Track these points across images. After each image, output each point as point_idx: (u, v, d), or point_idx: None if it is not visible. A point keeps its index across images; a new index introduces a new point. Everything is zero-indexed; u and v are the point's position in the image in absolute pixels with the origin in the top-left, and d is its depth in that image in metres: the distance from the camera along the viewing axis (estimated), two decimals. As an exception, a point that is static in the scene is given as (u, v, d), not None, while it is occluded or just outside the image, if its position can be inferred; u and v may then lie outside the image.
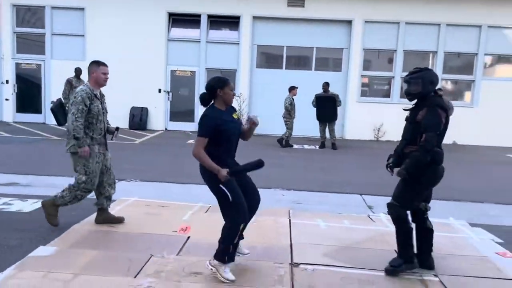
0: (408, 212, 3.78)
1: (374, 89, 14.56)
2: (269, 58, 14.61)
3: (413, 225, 3.83)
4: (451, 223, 5.45)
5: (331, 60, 14.51)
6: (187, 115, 14.26)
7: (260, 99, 14.16)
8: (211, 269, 3.44)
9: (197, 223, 4.86)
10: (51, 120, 12.93)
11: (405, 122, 3.96)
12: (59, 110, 11.04)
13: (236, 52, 14.00)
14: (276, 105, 13.92)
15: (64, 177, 7.08)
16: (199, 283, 3.38)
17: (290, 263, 3.87)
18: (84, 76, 6.40)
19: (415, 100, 3.79)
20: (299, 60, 14.50)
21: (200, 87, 14.08)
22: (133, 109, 14.11)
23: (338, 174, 8.60)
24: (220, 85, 3.48)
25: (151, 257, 3.85)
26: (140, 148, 10.73)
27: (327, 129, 11.85)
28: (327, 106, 11.66)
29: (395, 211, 3.72)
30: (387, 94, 14.25)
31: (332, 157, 10.75)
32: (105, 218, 4.70)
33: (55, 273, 3.39)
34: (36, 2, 14.02)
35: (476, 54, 13.83)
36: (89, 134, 4.47)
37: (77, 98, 4.37)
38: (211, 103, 3.56)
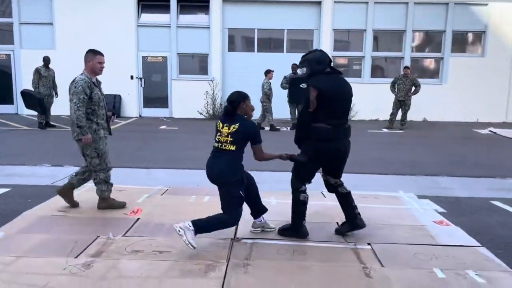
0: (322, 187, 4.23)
1: (344, 69, 14.68)
2: (240, 41, 14.63)
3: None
4: (399, 196, 5.66)
5: (302, 42, 14.58)
6: (161, 101, 14.30)
7: (233, 83, 14.17)
8: (179, 230, 3.57)
9: (150, 205, 4.99)
10: (24, 111, 12.89)
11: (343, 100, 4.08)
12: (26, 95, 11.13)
13: (207, 36, 14.00)
14: (249, 88, 13.76)
15: (26, 166, 7.19)
16: (138, 260, 3.52)
17: (231, 238, 4.03)
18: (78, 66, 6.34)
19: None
20: (270, 42, 14.55)
21: (172, 72, 14.09)
22: (106, 97, 14.00)
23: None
24: (242, 99, 3.80)
25: (96, 238, 3.98)
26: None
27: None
28: (298, 88, 11.79)
29: (292, 184, 4.06)
30: (358, 74, 14.40)
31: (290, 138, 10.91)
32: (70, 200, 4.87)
33: (-2, 257, 3.50)
34: (1, -10, 13.80)
35: (444, 31, 14.01)
36: (94, 120, 4.66)
37: (77, 88, 4.50)
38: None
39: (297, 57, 13.26)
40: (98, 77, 4.89)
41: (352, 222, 4.11)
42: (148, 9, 14.16)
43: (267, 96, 11.66)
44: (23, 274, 3.22)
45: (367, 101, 13.88)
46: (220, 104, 13.87)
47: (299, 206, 4.01)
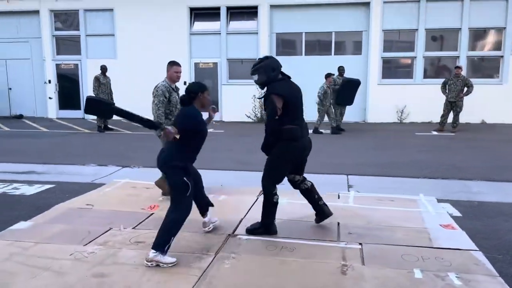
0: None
1: (396, 70, 14.32)
2: (288, 45, 14.81)
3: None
4: (417, 199, 5.56)
5: (350, 44, 14.46)
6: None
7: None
8: (150, 264, 3.48)
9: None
10: (89, 115, 14.07)
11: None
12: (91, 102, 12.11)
13: (255, 41, 14.35)
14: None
15: (75, 165, 7.94)
16: (136, 250, 3.88)
17: (228, 234, 4.27)
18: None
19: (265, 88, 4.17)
20: (318, 45, 14.58)
21: (222, 78, 14.62)
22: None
23: (336, 156, 8.76)
24: (201, 90, 3.79)
25: (109, 229, 4.41)
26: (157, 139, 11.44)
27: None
28: (352, 90, 11.81)
29: (265, 187, 4.15)
30: (409, 75, 13.97)
31: (338, 140, 10.86)
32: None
33: (20, 242, 4.03)
34: (71, 6, 15.17)
35: (504, 28, 13.17)
36: (171, 119, 5.32)
37: (158, 91, 5.37)
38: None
39: (345, 59, 13.53)
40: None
41: (320, 213, 4.41)
42: (200, 18, 14.81)
43: (320, 100, 11.42)
44: (35, 257, 3.70)
45: (418, 103, 13.47)
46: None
47: (271, 207, 4.18)
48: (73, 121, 14.62)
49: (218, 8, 14.40)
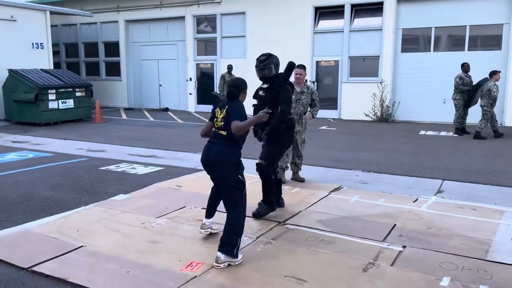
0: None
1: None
2: (415, 41, 14.01)
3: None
4: (506, 211, 5.04)
5: (488, 38, 13.03)
6: (331, 103, 14.90)
7: (404, 84, 13.83)
8: (223, 265, 3.45)
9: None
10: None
11: (257, 100, 4.72)
12: (216, 98, 13.39)
13: (379, 38, 13.95)
14: (421, 90, 13.47)
15: (188, 153, 8.97)
16: (193, 226, 4.44)
17: (279, 222, 4.56)
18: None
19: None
20: (449, 40, 13.49)
21: (343, 75, 14.60)
22: (284, 98, 15.55)
23: (434, 160, 8.18)
24: (246, 87, 3.86)
25: (183, 207, 5.09)
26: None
27: None
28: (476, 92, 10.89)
29: (264, 169, 4.56)
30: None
31: (470, 144, 10.01)
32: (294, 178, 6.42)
33: (112, 210, 4.95)
34: (210, 11, 16.78)
35: None
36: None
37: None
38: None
39: (481, 56, 12.46)
40: None
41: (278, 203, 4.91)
42: (324, 16, 14.98)
43: (493, 100, 10.33)
44: (116, 222, 4.54)
45: None
46: (387, 106, 13.67)
47: (273, 185, 4.74)
48: (208, 114, 16.10)
49: (343, 6, 14.37)
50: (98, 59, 19.76)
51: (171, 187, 6.02)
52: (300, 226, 4.48)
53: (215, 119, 3.72)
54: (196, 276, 3.31)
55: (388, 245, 3.97)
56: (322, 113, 15.02)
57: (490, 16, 12.62)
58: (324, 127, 12.73)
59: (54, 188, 6.10)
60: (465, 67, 11.07)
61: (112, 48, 19.30)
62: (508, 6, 12.34)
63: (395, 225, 4.48)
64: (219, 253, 3.47)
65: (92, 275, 3.34)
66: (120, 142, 10.19)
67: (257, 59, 4.59)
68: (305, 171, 7.02)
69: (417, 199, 5.50)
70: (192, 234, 4.21)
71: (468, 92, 10.88)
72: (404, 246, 3.93)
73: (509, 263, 3.57)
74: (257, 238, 4.13)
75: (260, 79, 4.65)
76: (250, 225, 4.45)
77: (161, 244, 3.96)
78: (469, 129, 11.17)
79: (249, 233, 4.24)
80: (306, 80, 7.01)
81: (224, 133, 3.64)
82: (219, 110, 3.70)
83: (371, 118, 14.00)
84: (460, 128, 11.10)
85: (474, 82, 11.07)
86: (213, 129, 3.77)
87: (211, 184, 4.03)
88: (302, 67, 5.99)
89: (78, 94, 13.91)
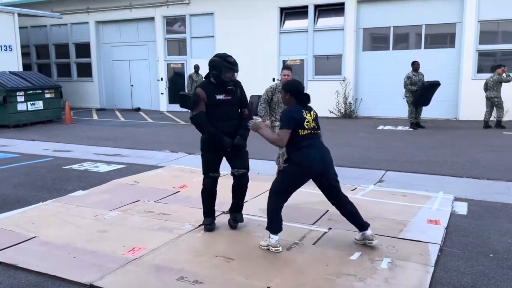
0: None
1: (493, 64, 13.16)
2: (375, 40, 14.62)
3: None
4: (432, 196, 5.56)
5: (442, 37, 13.70)
6: (298, 101, 15.38)
7: (365, 82, 14.41)
8: (266, 246, 3.84)
9: (197, 184, 6.15)
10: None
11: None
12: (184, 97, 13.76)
13: (341, 37, 14.49)
14: (381, 87, 14.05)
15: (153, 151, 9.30)
16: (142, 216, 4.81)
17: (223, 211, 4.95)
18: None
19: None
20: (407, 39, 14.13)
21: (308, 74, 15.10)
22: (252, 97, 15.80)
23: (384, 152, 8.72)
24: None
25: (137, 201, 5.45)
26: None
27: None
28: (431, 91, 11.48)
29: (247, 177, 4.45)
30: (509, 69, 12.72)
31: (410, 137, 10.60)
32: None
33: (69, 205, 5.28)
34: (179, 12, 17.07)
35: None
36: (273, 116, 6.47)
37: (264, 91, 6.48)
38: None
39: (436, 53, 13.07)
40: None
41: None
42: (290, 17, 15.45)
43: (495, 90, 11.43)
44: (70, 216, 4.88)
45: (520, 99, 12.26)
46: (350, 103, 14.23)
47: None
48: (178, 114, 16.47)
49: (306, 7, 14.86)
50: (69, 60, 19.84)
51: (129, 183, 6.37)
52: (244, 214, 4.88)
53: (306, 121, 3.77)
54: (135, 259, 3.69)
55: (316, 227, 4.42)
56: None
57: (444, 16, 13.29)
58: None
59: (16, 186, 6.38)
60: (415, 66, 11.65)
61: (83, 49, 19.41)
62: (460, 5, 13.01)
63: (327, 210, 4.92)
64: (369, 232, 3.89)
65: (40, 261, 3.69)
66: (88, 142, 10.45)
67: (230, 61, 4.20)
68: (259, 165, 7.43)
69: (355, 188, 5.98)
70: (139, 224, 4.59)
71: (416, 91, 11.44)
72: (330, 228, 4.39)
73: (415, 239, 4.06)
74: (199, 225, 4.52)
75: (228, 81, 4.22)
76: (195, 214, 4.84)
77: (109, 233, 4.32)
78: (429, 123, 11.81)
79: (193, 221, 4.64)
80: None
81: (319, 131, 3.91)
82: (307, 113, 3.84)
83: (335, 114, 14.55)
84: (415, 122, 11.71)
85: (427, 78, 11.68)
86: (303, 131, 3.77)
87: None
88: (289, 68, 6.25)
89: (47, 95, 14.06)
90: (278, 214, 3.87)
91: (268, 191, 3.98)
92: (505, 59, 12.89)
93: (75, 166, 7.77)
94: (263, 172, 6.96)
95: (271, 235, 3.85)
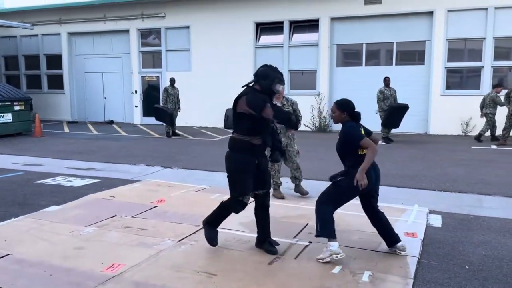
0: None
1: (461, 81, 13.71)
2: (349, 56, 14.97)
3: None
4: (407, 209, 5.68)
5: (413, 54, 14.16)
6: (273, 115, 15.52)
7: (339, 97, 14.59)
8: (331, 257, 3.84)
9: (175, 199, 6.18)
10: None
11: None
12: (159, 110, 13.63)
13: (316, 53, 14.77)
14: (355, 102, 14.24)
15: (128, 165, 9.15)
16: (120, 232, 4.72)
17: (202, 226, 4.91)
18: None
19: None
20: (379, 56, 14.53)
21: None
22: (228, 110, 15.97)
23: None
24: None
25: (114, 216, 5.34)
26: (213, 143, 12.45)
27: None
28: (399, 115, 11.75)
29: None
30: (476, 86, 13.28)
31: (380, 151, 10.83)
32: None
33: (42, 220, 5.12)
34: (154, 25, 17.02)
35: None
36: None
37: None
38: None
39: (406, 69, 13.43)
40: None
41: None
42: (265, 32, 15.66)
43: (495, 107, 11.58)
44: (44, 232, 4.73)
45: (486, 115, 12.75)
46: (324, 117, 14.45)
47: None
48: (153, 127, 16.32)
49: (282, 23, 15.10)
50: (39, 72, 19.41)
51: (105, 197, 6.24)
52: (223, 228, 4.83)
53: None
54: (115, 276, 3.61)
55: (297, 241, 4.44)
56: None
57: (414, 34, 13.76)
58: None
59: (-15, 202, 6.15)
60: (386, 81, 11.98)
61: (55, 60, 19.05)
62: (429, 24, 13.50)
63: (307, 224, 4.96)
64: (400, 243, 4.09)
65: (15, 279, 3.56)
66: (59, 156, 10.20)
67: (280, 73, 4.08)
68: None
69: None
70: (117, 239, 4.49)
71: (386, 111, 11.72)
72: (311, 242, 4.41)
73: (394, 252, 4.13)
74: (179, 240, 4.47)
75: (276, 93, 4.08)
76: (174, 228, 4.79)
77: (86, 250, 4.21)
78: (400, 137, 12.10)
79: (173, 236, 4.58)
80: None
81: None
82: (362, 130, 4.03)
83: (310, 128, 14.73)
84: (385, 137, 11.97)
85: (399, 93, 12.01)
86: (363, 150, 3.88)
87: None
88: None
89: (16, 107, 13.68)
90: (332, 220, 3.89)
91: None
92: (471, 76, 13.46)
93: (47, 181, 7.56)
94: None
95: (331, 243, 3.84)
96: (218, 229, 4.30)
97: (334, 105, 4.28)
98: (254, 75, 4.12)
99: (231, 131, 4.27)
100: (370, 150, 3.81)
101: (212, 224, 4.24)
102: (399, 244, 4.09)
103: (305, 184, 6.70)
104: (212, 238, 4.19)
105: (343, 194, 3.95)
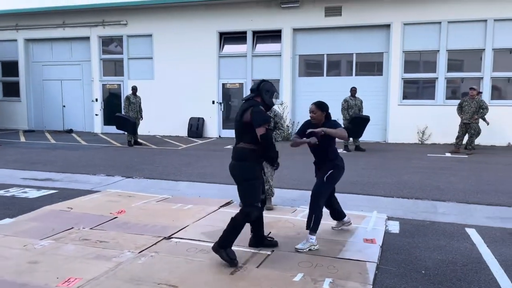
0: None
1: (417, 91, 14.25)
2: (310, 66, 15.26)
3: None
4: (367, 216, 5.81)
5: (372, 65, 14.60)
6: (237, 124, 15.57)
7: (302, 105, 14.88)
8: (306, 248, 4.43)
9: (136, 209, 6.07)
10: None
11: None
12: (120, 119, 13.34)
13: (279, 63, 14.96)
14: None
15: (87, 175, 8.91)
16: (78, 245, 4.57)
17: (164, 237, 4.85)
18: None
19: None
20: (340, 66, 14.89)
21: (247, 98, 15.34)
22: (191, 119, 15.91)
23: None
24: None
25: (71, 228, 5.17)
26: (177, 152, 12.32)
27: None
28: (361, 125, 12.00)
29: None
30: (431, 96, 13.83)
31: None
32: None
33: (-6, 233, 4.89)
34: (116, 32, 16.75)
35: (531, 48, 12.73)
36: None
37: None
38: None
39: (365, 80, 13.81)
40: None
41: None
42: (229, 41, 15.73)
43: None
44: (-4, 245, 4.53)
45: (440, 124, 13.30)
46: (288, 126, 14.61)
47: None
48: (114, 136, 15.97)
49: (245, 32, 15.22)
50: (-6, 79, 18.66)
51: (62, 209, 6.04)
52: (184, 238, 4.81)
53: None
54: (71, 290, 3.50)
55: (259, 250, 4.45)
56: (231, 133, 15.68)
57: (372, 46, 14.20)
58: (230, 146, 13.25)
59: None
60: (352, 91, 12.29)
61: (10, 67, 18.39)
62: (386, 37, 13.98)
63: (270, 232, 4.99)
64: (346, 217, 5.20)
65: (-37, 297, 3.38)
66: (14, 166, 9.80)
67: (277, 92, 4.46)
68: (200, 188, 7.39)
69: (295, 210, 6.12)
70: (74, 252, 4.35)
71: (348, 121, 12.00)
72: (273, 250, 4.44)
73: (353, 259, 4.22)
74: (140, 252, 4.38)
75: (272, 106, 4.39)
76: (135, 240, 4.69)
77: (41, 264, 4.05)
78: (361, 145, 12.38)
79: (133, 248, 4.48)
80: None
81: None
82: None
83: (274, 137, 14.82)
84: (345, 145, 12.21)
85: (365, 102, 12.29)
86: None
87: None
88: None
89: (-32, 116, 13.05)
90: (321, 217, 4.60)
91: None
92: (427, 87, 14.01)
93: (1, 192, 7.25)
94: (204, 195, 6.93)
95: (311, 236, 4.48)
96: (177, 239, 4.23)
97: (313, 106, 4.71)
98: (255, 88, 4.27)
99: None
100: (343, 131, 4.58)
101: (227, 246, 4.08)
102: (345, 218, 5.10)
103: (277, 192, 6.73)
104: (233, 258, 4.02)
105: (333, 184, 4.77)
